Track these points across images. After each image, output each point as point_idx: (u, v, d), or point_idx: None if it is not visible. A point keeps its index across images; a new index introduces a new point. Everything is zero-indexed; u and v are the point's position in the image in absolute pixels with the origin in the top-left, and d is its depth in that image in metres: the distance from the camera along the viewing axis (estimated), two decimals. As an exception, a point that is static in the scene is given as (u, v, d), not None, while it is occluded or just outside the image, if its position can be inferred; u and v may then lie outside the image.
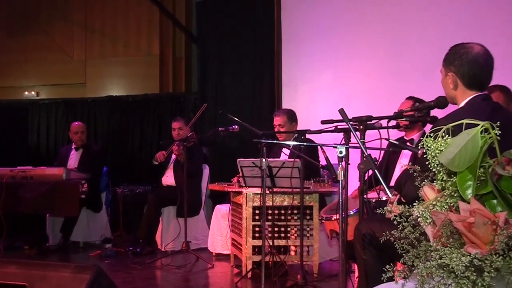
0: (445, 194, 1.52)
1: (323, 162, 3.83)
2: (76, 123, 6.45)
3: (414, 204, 1.54)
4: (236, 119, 4.57)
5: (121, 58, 8.27)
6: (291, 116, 4.98)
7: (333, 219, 3.48)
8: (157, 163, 5.59)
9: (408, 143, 3.88)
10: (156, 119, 7.70)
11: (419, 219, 1.50)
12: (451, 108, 2.31)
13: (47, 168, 5.77)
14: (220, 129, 4.90)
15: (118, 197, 6.36)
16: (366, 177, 2.90)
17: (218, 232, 5.24)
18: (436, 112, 3.19)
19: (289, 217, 4.27)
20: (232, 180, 4.83)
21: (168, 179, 5.89)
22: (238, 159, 4.10)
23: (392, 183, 3.83)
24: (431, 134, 1.55)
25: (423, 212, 1.50)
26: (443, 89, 2.41)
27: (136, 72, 8.17)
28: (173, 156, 5.81)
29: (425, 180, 1.59)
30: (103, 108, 7.91)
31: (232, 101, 6.97)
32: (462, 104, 2.26)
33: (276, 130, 4.95)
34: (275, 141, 4.69)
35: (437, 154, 1.50)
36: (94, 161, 6.21)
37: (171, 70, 8.17)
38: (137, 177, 7.13)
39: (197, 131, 6.40)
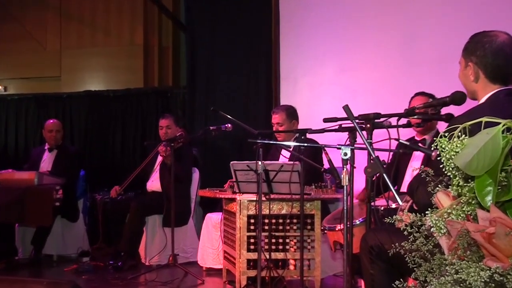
0: (461, 201, 1.52)
1: (326, 165, 3.83)
2: (51, 120, 6.43)
3: (427, 212, 1.53)
4: (229, 116, 4.56)
5: (101, 48, 8.25)
6: (291, 113, 4.98)
7: (337, 229, 3.47)
8: (108, 200, 5.58)
9: (420, 144, 3.88)
10: (139, 117, 7.69)
11: (432, 229, 1.50)
12: (469, 105, 2.31)
13: (16, 172, 5.75)
14: (211, 128, 4.89)
15: (97, 204, 6.31)
16: (373, 182, 2.89)
17: (209, 244, 5.22)
18: (452, 109, 3.19)
19: (288, 227, 4.26)
20: (224, 185, 4.81)
21: (154, 184, 5.89)
22: (231, 162, 4.09)
23: (402, 189, 3.84)
24: (446, 134, 1.55)
25: (437, 221, 1.49)
26: (460, 83, 2.41)
27: (117, 64, 8.15)
28: (159, 158, 5.80)
29: (439, 186, 1.59)
30: (80, 104, 7.89)
31: (225, 97, 6.97)
32: (483, 100, 2.26)
33: (274, 129, 4.94)
34: (272, 142, 4.68)
35: (453, 156, 1.50)
36: (70, 164, 6.19)
37: (156, 62, 8.16)
38: (119, 182, 7.09)
39: (186, 130, 6.38)
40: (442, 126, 3.53)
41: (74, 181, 6.25)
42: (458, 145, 1.51)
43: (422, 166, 1.77)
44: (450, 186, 1.56)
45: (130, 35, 8.21)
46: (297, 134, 4.77)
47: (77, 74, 8.30)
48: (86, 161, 7.50)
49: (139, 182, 5.93)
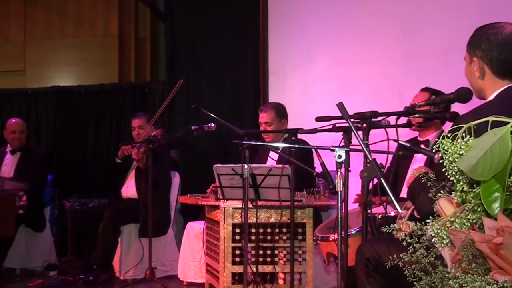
0: (466, 208, 1.52)
1: (318, 168, 3.82)
2: (14, 120, 6.38)
3: (428, 220, 1.53)
4: (212, 115, 4.56)
5: (71, 40, 8.21)
6: (281, 111, 4.99)
7: (330, 239, 3.47)
8: (120, 161, 5.54)
9: (422, 145, 3.89)
10: (114, 115, 7.68)
11: (433, 240, 1.50)
12: (476, 103, 2.31)
13: (-26, 176, 5.71)
14: (193, 127, 4.88)
15: (66, 212, 6.30)
16: (370, 187, 2.89)
17: (190, 256, 5.21)
18: (458, 108, 3.20)
19: (276, 237, 4.25)
20: (207, 191, 4.80)
21: (129, 190, 5.87)
22: (214, 165, 4.09)
23: (402, 195, 3.84)
24: (449, 134, 1.54)
25: (439, 231, 1.49)
26: (466, 80, 2.41)
27: (89, 57, 8.12)
28: (135, 162, 5.77)
29: (441, 191, 1.59)
30: (48, 101, 7.86)
31: (208, 93, 6.96)
32: (490, 98, 2.26)
33: (262, 129, 4.94)
34: (260, 143, 4.67)
35: (456, 159, 1.50)
36: (35, 167, 6.15)
37: (133, 55, 8.14)
38: (91, 188, 7.07)
39: (165, 130, 6.37)
40: (448, 126, 3.54)
41: (40, 186, 6.20)
42: (462, 146, 1.51)
43: (423, 170, 1.77)
44: (453, 192, 1.55)
45: (103, 25, 8.18)
46: (286, 135, 4.81)
47: (43, 68, 8.25)
48: (54, 165, 7.47)
49: (113, 187, 5.91)
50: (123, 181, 5.92)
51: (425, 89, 4.08)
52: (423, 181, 1.71)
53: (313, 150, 4.07)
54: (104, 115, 7.71)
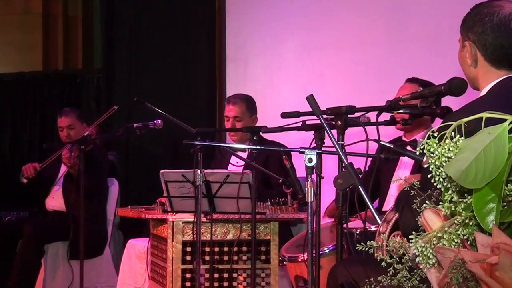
0: (455, 222, 1.53)
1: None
2: None
3: (411, 236, 1.54)
4: (158, 110, 4.53)
5: (-16, 18, 8.09)
6: (252, 105, 5.03)
7: (299, 260, 3.49)
8: (26, 181, 5.49)
9: (409, 147, 3.92)
10: (38, 110, 7.63)
11: (417, 259, 1.51)
12: (473, 96, 2.33)
13: None
14: (135, 125, 4.84)
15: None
16: (346, 197, 2.90)
17: (130, 280, 5.19)
18: (451, 102, 3.24)
19: (235, 257, 4.25)
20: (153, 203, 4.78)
21: (55, 201, 5.82)
22: (161, 171, 4.07)
23: (386, 207, 3.87)
24: (436, 134, 1.55)
25: (424, 249, 1.50)
26: (461, 68, 2.43)
27: (7, 39, 8.01)
28: (63, 168, 5.72)
29: (427, 202, 1.60)
30: (-45, 92, 7.74)
31: (154, 84, 6.93)
32: (485, 90, 2.28)
33: (229, 125, 4.92)
34: (216, 143, 4.66)
35: (444, 163, 1.51)
36: None
37: (61, 37, 8.06)
38: (8, 198, 6.96)
39: (101, 128, 6.32)
40: (439, 124, 3.59)
41: None
42: (450, 148, 1.51)
43: (406, 177, 1.78)
44: (440, 203, 1.57)
45: (24, 1, 8.07)
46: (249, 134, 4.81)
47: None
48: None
49: (36, 197, 5.84)
50: (48, 190, 5.86)
51: (411, 80, 4.12)
52: (405, 189, 1.72)
53: (280, 153, 4.07)
54: (25, 110, 7.66)
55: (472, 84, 2.39)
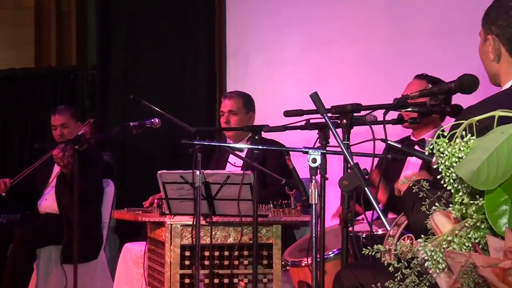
0: (466, 224, 1.53)
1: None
2: None
3: (419, 240, 1.54)
4: (156, 108, 4.53)
5: (-27, 13, 8.09)
6: (249, 101, 5.05)
7: (303, 264, 3.48)
8: (4, 195, 5.54)
9: (417, 147, 3.92)
10: (30, 108, 7.62)
11: (427, 264, 1.51)
12: (486, 93, 2.32)
13: None
14: (131, 124, 4.84)
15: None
16: (352, 199, 2.91)
17: (127, 285, 5.19)
18: (461, 100, 3.23)
19: (236, 262, 4.25)
20: (145, 203, 4.78)
21: (48, 203, 5.82)
22: (159, 172, 4.07)
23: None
24: (446, 133, 1.55)
25: (433, 253, 1.50)
26: (472, 63, 2.43)
27: (-3, 34, 8.01)
28: (56, 168, 5.73)
29: (436, 204, 1.59)
30: None
31: (151, 81, 6.92)
32: (506, 86, 2.28)
33: (224, 119, 4.93)
34: (216, 143, 4.66)
35: (454, 164, 1.50)
36: None
37: (54, 32, 8.05)
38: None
39: (96, 128, 6.31)
40: (449, 123, 3.58)
41: None
42: (461, 148, 1.51)
43: (414, 177, 1.78)
44: (451, 205, 1.56)
45: (15, -6, 8.09)
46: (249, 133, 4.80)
47: None
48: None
49: (28, 198, 5.83)
50: (40, 191, 5.87)
51: (420, 76, 4.11)
52: (414, 190, 1.71)
53: (283, 153, 4.07)
54: (16, 108, 7.64)
55: (494, 80, 2.38)
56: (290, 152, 3.44)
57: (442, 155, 1.52)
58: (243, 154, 4.58)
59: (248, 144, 4.70)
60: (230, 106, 4.96)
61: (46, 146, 5.78)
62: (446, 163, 1.51)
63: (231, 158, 4.78)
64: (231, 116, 4.94)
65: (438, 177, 1.53)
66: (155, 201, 4.54)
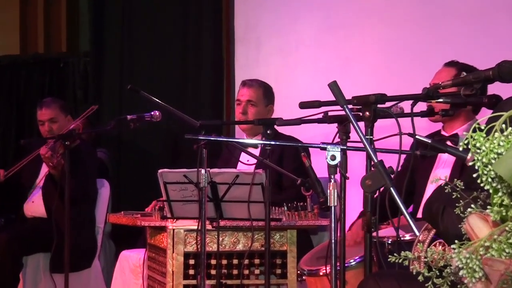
0: (506, 229, 1.53)
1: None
2: None
3: (453, 246, 1.54)
4: (156, 99, 4.54)
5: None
6: (270, 93, 5.05)
7: (321, 274, 3.48)
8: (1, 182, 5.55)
9: (449, 142, 3.92)
10: (14, 100, 7.66)
11: (461, 273, 1.51)
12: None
13: None
14: (129, 117, 4.84)
15: None
16: (376, 201, 2.90)
17: (124, 297, 5.21)
18: (499, 89, 3.23)
19: (246, 272, 4.26)
20: (149, 207, 4.79)
21: (35, 206, 5.83)
22: (159, 170, 4.07)
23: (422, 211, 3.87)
24: (483, 126, 1.55)
25: (469, 260, 1.50)
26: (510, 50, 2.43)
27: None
28: (44, 168, 5.74)
29: (472, 206, 1.59)
30: None
31: (150, 70, 6.94)
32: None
33: (240, 110, 4.93)
34: (224, 138, 4.66)
35: (493, 161, 1.50)
36: None
37: (41, 16, 8.06)
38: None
39: (89, 122, 6.33)
40: (485, 115, 3.57)
41: None
42: (501, 143, 1.51)
43: (447, 177, 1.78)
44: (489, 207, 1.56)
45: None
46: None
47: None
48: None
49: (13, 200, 5.85)
50: (26, 193, 5.89)
51: (451, 64, 4.11)
52: (447, 191, 1.71)
53: (298, 149, 4.07)
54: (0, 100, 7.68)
55: None
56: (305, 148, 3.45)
57: (478, 151, 1.52)
58: (256, 152, 4.59)
59: (260, 139, 4.69)
60: (249, 95, 4.94)
61: (33, 143, 5.78)
62: (484, 160, 1.51)
63: (243, 157, 4.77)
64: (250, 107, 4.92)
65: (474, 175, 1.53)
66: (157, 204, 4.55)
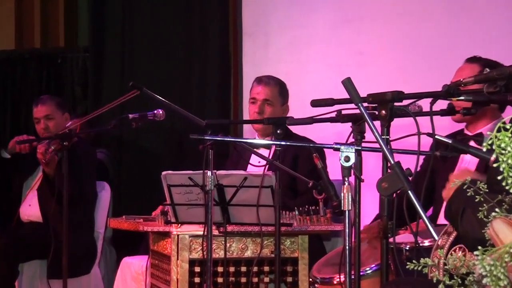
0: (532, 234, 1.53)
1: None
2: None
3: (476, 252, 1.53)
4: (159, 97, 4.54)
5: None
6: (286, 91, 5.05)
7: (334, 282, 3.48)
8: (9, 156, 5.56)
9: (471, 142, 3.91)
10: (9, 97, 7.69)
11: (485, 280, 1.50)
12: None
13: None
14: (130, 116, 4.86)
15: None
16: (392, 205, 2.90)
17: (125, 306, 5.22)
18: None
19: (255, 279, 4.26)
20: (154, 213, 4.79)
21: (31, 210, 5.86)
22: (163, 172, 4.08)
23: (442, 217, 3.86)
24: (507, 126, 1.55)
25: (493, 268, 1.50)
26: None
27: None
28: (41, 169, 5.75)
29: (497, 209, 1.59)
30: None
31: (153, 66, 6.94)
32: None
33: (255, 109, 4.92)
34: (231, 139, 4.66)
35: (518, 161, 1.50)
36: None
37: (38, 9, 8.07)
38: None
39: (87, 121, 6.34)
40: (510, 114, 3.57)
41: None
42: (526, 143, 1.51)
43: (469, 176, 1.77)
44: (514, 210, 1.56)
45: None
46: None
47: None
48: None
49: (7, 204, 5.87)
50: (22, 195, 5.90)
51: (473, 59, 4.10)
52: (468, 193, 1.71)
53: (310, 150, 4.06)
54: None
55: None
56: (317, 149, 3.45)
57: (503, 151, 1.52)
58: (268, 153, 4.59)
59: (272, 139, 4.67)
60: (266, 94, 4.92)
61: (28, 142, 5.78)
62: (509, 161, 1.51)
63: (253, 159, 4.76)
64: (266, 107, 4.90)
65: (499, 177, 1.53)
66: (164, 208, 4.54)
